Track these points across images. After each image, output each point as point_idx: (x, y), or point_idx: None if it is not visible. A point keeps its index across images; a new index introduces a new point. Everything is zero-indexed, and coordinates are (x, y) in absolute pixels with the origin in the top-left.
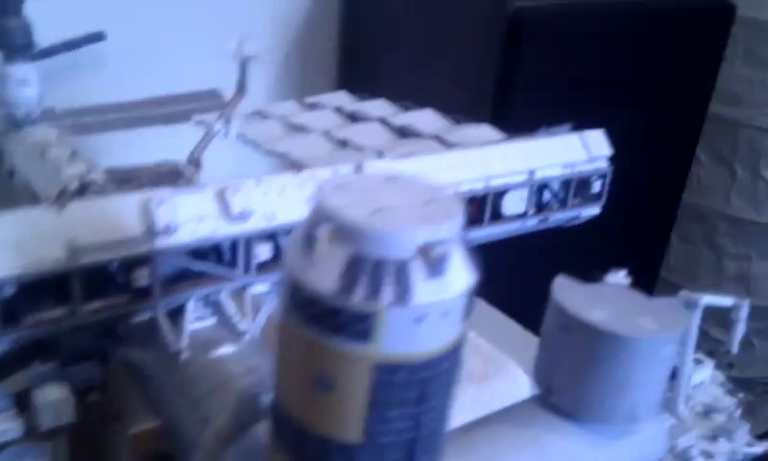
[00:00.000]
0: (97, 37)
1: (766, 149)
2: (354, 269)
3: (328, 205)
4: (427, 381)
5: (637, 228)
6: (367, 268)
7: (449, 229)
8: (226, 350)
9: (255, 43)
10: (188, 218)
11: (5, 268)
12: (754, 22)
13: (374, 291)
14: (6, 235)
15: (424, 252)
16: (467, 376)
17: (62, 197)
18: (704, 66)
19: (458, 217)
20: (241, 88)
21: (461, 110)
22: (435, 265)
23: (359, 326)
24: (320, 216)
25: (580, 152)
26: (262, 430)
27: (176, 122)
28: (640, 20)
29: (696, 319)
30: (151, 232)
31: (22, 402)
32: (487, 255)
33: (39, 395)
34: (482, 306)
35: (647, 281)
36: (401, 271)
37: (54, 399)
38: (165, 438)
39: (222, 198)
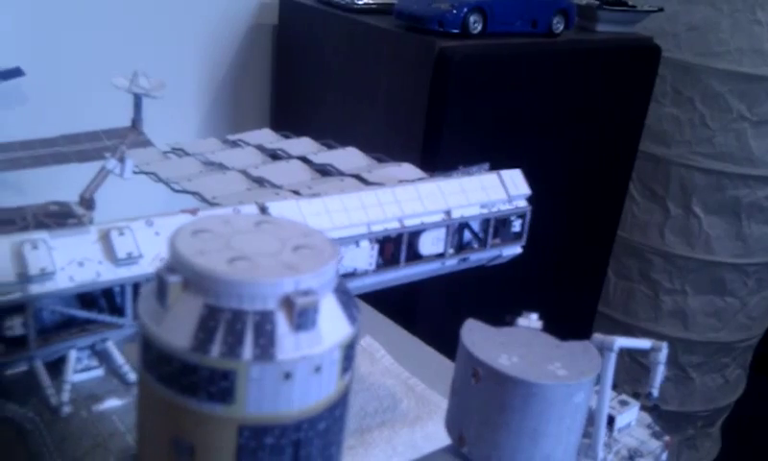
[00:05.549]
0: (15, 73)
1: (697, 186)
2: (210, 322)
3: (182, 251)
4: (302, 443)
5: (575, 264)
6: (224, 321)
7: (318, 277)
8: (112, 403)
9: (149, 79)
10: (67, 262)
11: None
12: (680, 64)
13: (234, 346)
14: None
15: (289, 303)
16: (400, 417)
17: None
18: (633, 105)
19: (330, 264)
20: (135, 125)
21: (393, 147)
22: (302, 317)
23: (218, 385)
24: (172, 264)
25: (499, 191)
26: None
27: (89, 160)
28: (567, 60)
29: (611, 363)
30: (24, 278)
31: None
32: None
33: None
34: (418, 345)
35: (586, 317)
36: (263, 324)
37: None
38: None
39: (107, 240)
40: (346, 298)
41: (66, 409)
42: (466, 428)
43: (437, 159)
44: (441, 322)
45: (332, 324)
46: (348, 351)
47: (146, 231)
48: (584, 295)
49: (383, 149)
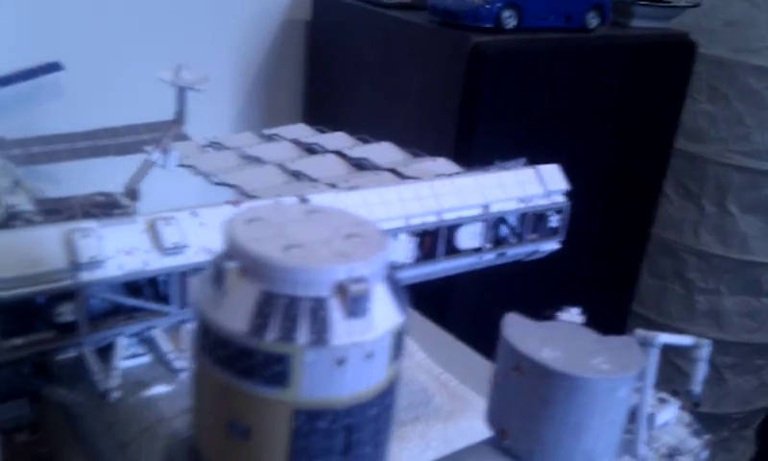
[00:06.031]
0: (53, 67)
1: (733, 184)
2: (266, 307)
3: (238, 239)
4: (353, 429)
5: (608, 262)
6: (280, 307)
7: (370, 265)
8: (159, 389)
9: (193, 72)
10: (116, 251)
11: None
12: (715, 60)
13: (289, 331)
14: None
15: (342, 290)
16: (433, 412)
17: None
18: (667, 102)
19: (382, 253)
20: (179, 118)
21: (425, 143)
22: (355, 304)
23: (273, 368)
24: (229, 251)
25: (535, 186)
26: None
27: (128, 153)
28: (601, 56)
29: (654, 358)
30: (75, 266)
31: None
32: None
33: None
34: (449, 340)
35: (619, 316)
36: (318, 310)
37: None
38: None
39: (154, 230)
40: (396, 286)
41: (114, 395)
42: (507, 421)
43: (470, 155)
44: (472, 318)
45: (383, 311)
46: (398, 340)
47: (191, 222)
48: (617, 293)
49: (415, 145)
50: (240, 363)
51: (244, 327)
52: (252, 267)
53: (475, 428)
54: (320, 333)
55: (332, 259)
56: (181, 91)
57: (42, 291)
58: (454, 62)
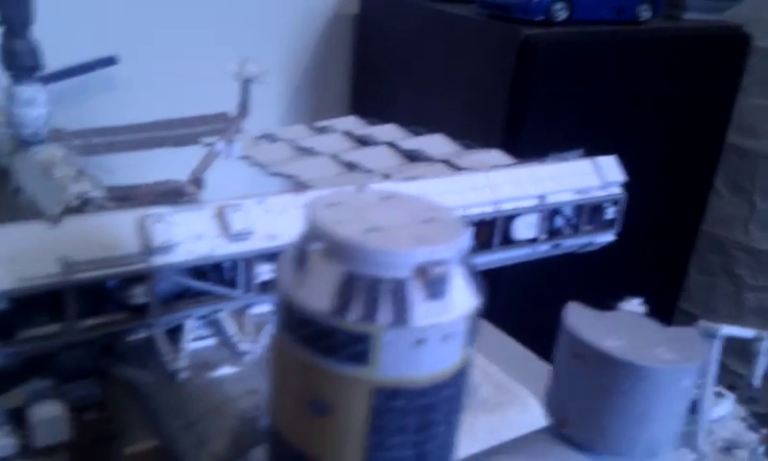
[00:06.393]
0: (109, 61)
1: None
2: (349, 288)
3: (321, 222)
4: (428, 408)
5: (655, 257)
6: (362, 287)
7: (449, 249)
8: (225, 370)
9: (257, 65)
10: (186, 236)
11: None
12: None
13: (371, 311)
14: (0, 250)
15: (423, 272)
16: (479, 403)
17: (53, 214)
18: (720, 95)
19: (459, 238)
20: (243, 109)
21: (472, 138)
22: (434, 286)
23: (355, 347)
24: (312, 234)
25: (592, 177)
26: (262, 454)
27: (184, 145)
28: (652, 48)
29: (716, 350)
30: (147, 250)
31: (17, 419)
32: (499, 281)
33: (35, 412)
34: (494, 333)
35: (665, 312)
36: (398, 291)
37: (49, 416)
38: (161, 459)
39: (221, 217)
40: (471, 271)
41: (183, 375)
42: (568, 410)
43: (518, 149)
44: (517, 310)
45: (461, 294)
46: (473, 324)
47: (257, 209)
48: (663, 289)
49: (462, 139)
50: (322, 342)
51: (326, 306)
52: (336, 249)
53: (522, 421)
54: (400, 314)
55: (413, 242)
56: (246, 83)
57: (116, 274)
58: (503, 56)
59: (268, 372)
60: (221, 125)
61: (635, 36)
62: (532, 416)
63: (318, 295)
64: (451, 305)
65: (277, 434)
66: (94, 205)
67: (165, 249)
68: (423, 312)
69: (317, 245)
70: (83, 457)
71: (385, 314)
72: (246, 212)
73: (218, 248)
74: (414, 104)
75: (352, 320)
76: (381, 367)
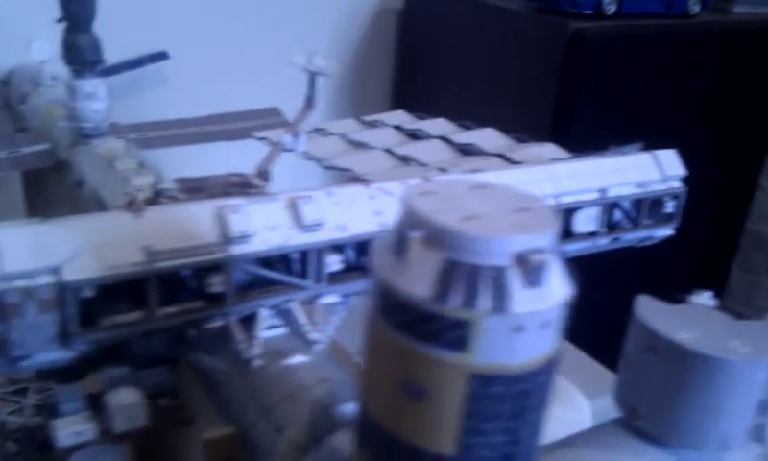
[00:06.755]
0: (161, 57)
1: None
2: (449, 275)
3: (420, 210)
4: (523, 395)
5: (698, 253)
6: (462, 274)
7: (547, 237)
8: (297, 359)
9: (324, 59)
10: (261, 227)
11: (85, 270)
12: None
13: (471, 298)
14: (87, 239)
15: (522, 260)
16: None
17: (136, 204)
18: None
19: (554, 226)
20: (310, 103)
21: (518, 132)
22: (534, 274)
23: (454, 333)
24: (411, 221)
25: (653, 171)
26: (338, 441)
27: (236, 139)
28: (702, 42)
29: None
30: (225, 240)
31: (95, 404)
32: None
33: (113, 398)
34: None
35: None
36: (498, 278)
37: (127, 402)
38: (238, 444)
39: (294, 208)
40: (563, 260)
41: (257, 363)
42: (639, 402)
43: (565, 144)
44: None
45: (557, 283)
46: (566, 312)
47: (326, 201)
48: (706, 286)
49: (508, 131)
50: (421, 327)
51: (427, 292)
52: (436, 237)
53: (569, 417)
54: (500, 301)
55: (512, 230)
56: (313, 76)
57: (196, 263)
58: (552, 50)
59: (361, 356)
60: (272, 119)
61: (684, 29)
62: (579, 413)
63: (418, 281)
64: (549, 293)
65: (369, 418)
66: (166, 196)
67: (242, 239)
68: (522, 299)
69: (417, 233)
70: (156, 443)
71: (485, 301)
72: (317, 204)
73: (291, 238)
74: (458, 99)
75: (453, 306)
76: (479, 353)
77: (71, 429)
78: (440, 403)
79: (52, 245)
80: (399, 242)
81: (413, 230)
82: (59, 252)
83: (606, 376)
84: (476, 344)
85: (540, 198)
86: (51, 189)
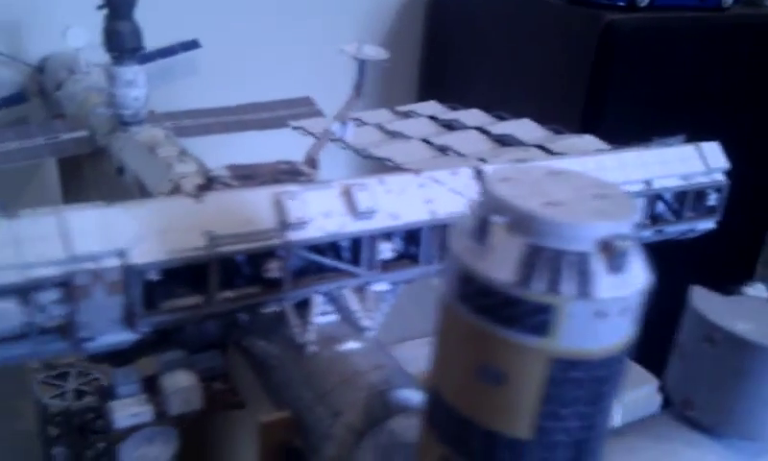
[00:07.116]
0: (192, 45)
1: None
2: (533, 260)
3: (501, 195)
4: (601, 380)
5: (726, 248)
6: (546, 260)
7: (629, 223)
8: (351, 345)
9: (374, 47)
10: (317, 213)
11: (151, 254)
12: None
13: (555, 283)
14: (151, 223)
15: (606, 246)
16: None
17: (195, 190)
18: None
19: (634, 213)
20: (358, 91)
21: (548, 123)
22: (616, 260)
23: (537, 318)
24: (492, 206)
25: (697, 163)
26: (394, 425)
27: (270, 127)
28: (736, 35)
29: None
30: (283, 226)
31: (150, 388)
32: None
33: (168, 381)
34: None
35: None
36: (582, 264)
37: (183, 385)
38: (293, 427)
39: (348, 195)
40: (640, 247)
41: (311, 348)
42: (693, 392)
43: (597, 135)
44: None
45: (638, 269)
46: (644, 299)
47: (378, 189)
48: (729, 282)
49: (539, 122)
50: (503, 311)
51: (510, 277)
52: (519, 222)
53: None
54: (584, 286)
55: (595, 216)
56: (362, 64)
57: (255, 248)
58: (584, 41)
59: (434, 340)
60: (304, 109)
61: (717, 22)
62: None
63: (501, 266)
64: (630, 279)
65: (441, 402)
66: (220, 182)
67: (299, 225)
68: (606, 285)
69: (500, 218)
70: (209, 426)
71: (569, 286)
72: (371, 191)
73: (345, 225)
74: (487, 89)
75: (536, 291)
76: (561, 338)
77: (128, 411)
78: (518, 388)
79: (118, 228)
80: (481, 227)
81: (496, 215)
82: (124, 235)
83: (632, 370)
84: (559, 329)
85: (617, 185)
86: (87, 175)
